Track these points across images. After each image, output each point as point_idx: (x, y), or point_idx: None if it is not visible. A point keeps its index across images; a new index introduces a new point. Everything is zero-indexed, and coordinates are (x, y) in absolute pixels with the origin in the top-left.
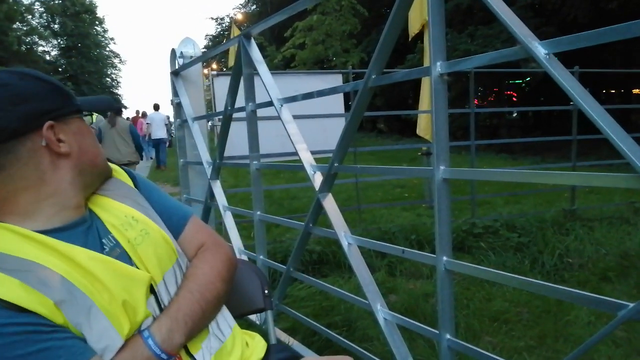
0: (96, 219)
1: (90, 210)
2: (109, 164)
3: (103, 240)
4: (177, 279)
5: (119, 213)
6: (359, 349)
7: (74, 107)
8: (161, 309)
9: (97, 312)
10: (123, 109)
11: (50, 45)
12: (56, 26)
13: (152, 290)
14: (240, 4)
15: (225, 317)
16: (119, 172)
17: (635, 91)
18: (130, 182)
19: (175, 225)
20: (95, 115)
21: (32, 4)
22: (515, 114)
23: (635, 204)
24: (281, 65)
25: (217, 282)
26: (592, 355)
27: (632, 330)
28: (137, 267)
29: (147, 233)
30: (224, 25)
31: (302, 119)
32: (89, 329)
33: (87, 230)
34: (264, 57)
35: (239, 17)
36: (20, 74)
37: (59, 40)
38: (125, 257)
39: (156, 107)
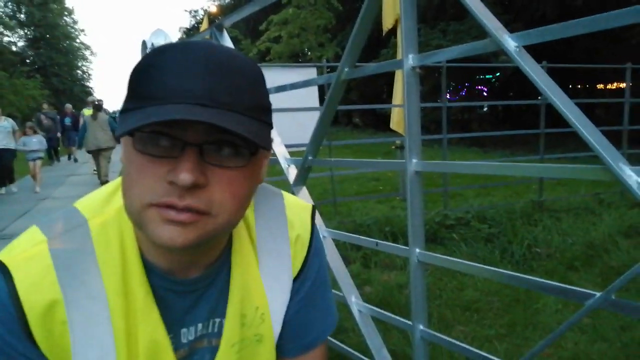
0: (225, 291)
1: (229, 268)
2: (302, 220)
3: (200, 324)
4: None
5: (254, 301)
6: (334, 341)
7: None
8: None
9: None
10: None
11: (16, 35)
12: (22, 16)
13: None
14: None
15: None
16: (300, 239)
17: (600, 86)
18: (301, 258)
19: (290, 347)
20: (85, 110)
21: None
22: (485, 109)
23: (600, 195)
24: (256, 59)
25: None
26: (560, 341)
27: (597, 317)
28: None
29: (260, 342)
30: (198, 17)
31: (276, 112)
32: None
33: (193, 294)
34: (239, 50)
35: (214, 9)
36: None
37: (26, 31)
38: (208, 356)
39: None
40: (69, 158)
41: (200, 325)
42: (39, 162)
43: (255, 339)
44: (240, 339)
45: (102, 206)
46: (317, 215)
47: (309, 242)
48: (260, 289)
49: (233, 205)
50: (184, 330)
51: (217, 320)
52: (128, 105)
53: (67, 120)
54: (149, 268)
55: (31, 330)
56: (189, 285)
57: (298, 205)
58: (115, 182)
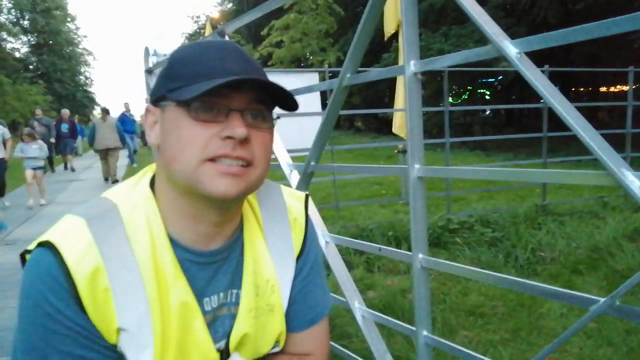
0: (240, 265)
1: (242, 245)
2: (297, 200)
3: (221, 293)
4: None
5: (265, 274)
6: (338, 346)
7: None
8: None
9: (147, 358)
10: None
11: (20, 42)
12: (26, 22)
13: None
14: (217, 2)
15: None
16: (298, 222)
17: (602, 89)
18: (300, 240)
19: (297, 322)
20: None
21: None
22: (488, 112)
23: (604, 199)
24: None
25: None
26: (565, 346)
27: (602, 321)
28: (230, 337)
29: (271, 311)
30: (200, 23)
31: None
32: None
33: (212, 265)
34: None
35: (216, 15)
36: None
37: (29, 37)
38: (228, 321)
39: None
40: (65, 167)
41: (221, 295)
42: (39, 172)
43: (268, 308)
44: (256, 307)
45: (128, 194)
46: (313, 207)
47: (305, 226)
48: (269, 264)
49: (266, 159)
50: (206, 299)
51: (235, 291)
52: (174, 85)
53: (64, 127)
54: (173, 243)
55: (80, 296)
56: (209, 256)
57: (293, 194)
58: (138, 175)
